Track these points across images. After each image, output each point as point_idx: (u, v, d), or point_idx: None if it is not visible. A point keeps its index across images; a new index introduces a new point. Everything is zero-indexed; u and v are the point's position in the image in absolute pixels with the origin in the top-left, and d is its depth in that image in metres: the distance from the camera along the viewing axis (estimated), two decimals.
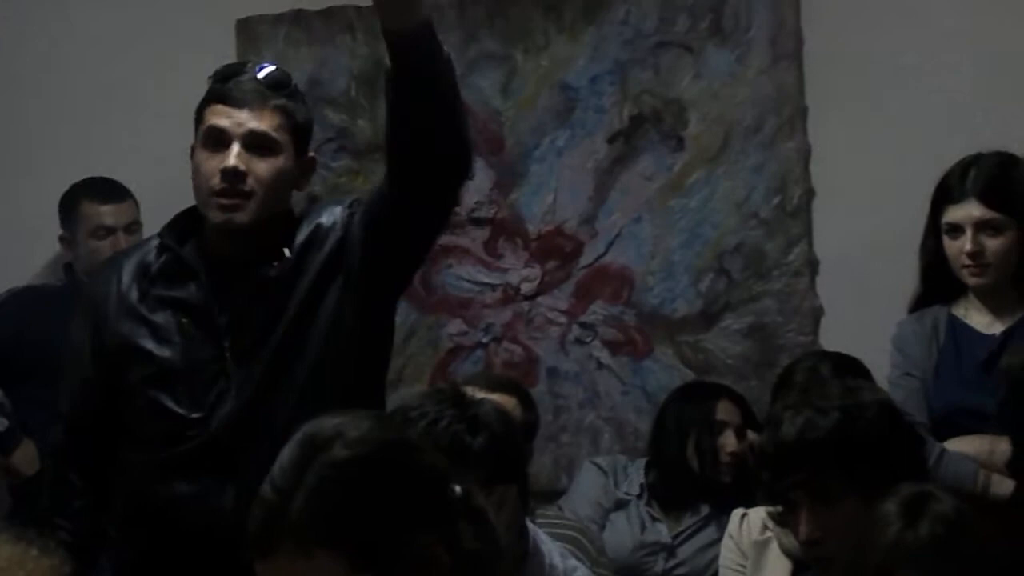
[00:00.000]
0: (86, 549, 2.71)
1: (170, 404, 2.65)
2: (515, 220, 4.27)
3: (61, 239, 4.20)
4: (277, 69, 2.73)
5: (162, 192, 4.16)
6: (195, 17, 4.37)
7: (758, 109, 4.12)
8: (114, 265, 2.81)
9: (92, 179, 4.18)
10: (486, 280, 4.29)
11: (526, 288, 4.27)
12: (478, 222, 4.28)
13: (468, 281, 4.30)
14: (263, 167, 2.64)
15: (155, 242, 2.77)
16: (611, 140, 4.22)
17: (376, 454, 1.67)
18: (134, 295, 2.71)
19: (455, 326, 4.30)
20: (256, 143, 2.64)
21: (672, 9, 4.17)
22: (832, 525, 2.26)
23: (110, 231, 4.11)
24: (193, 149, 2.72)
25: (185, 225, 2.74)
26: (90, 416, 2.76)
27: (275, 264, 2.66)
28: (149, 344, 2.68)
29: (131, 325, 2.69)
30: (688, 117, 4.16)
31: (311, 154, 2.76)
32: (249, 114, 2.64)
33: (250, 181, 2.62)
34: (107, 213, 4.12)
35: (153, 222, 4.06)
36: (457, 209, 4.28)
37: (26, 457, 3.89)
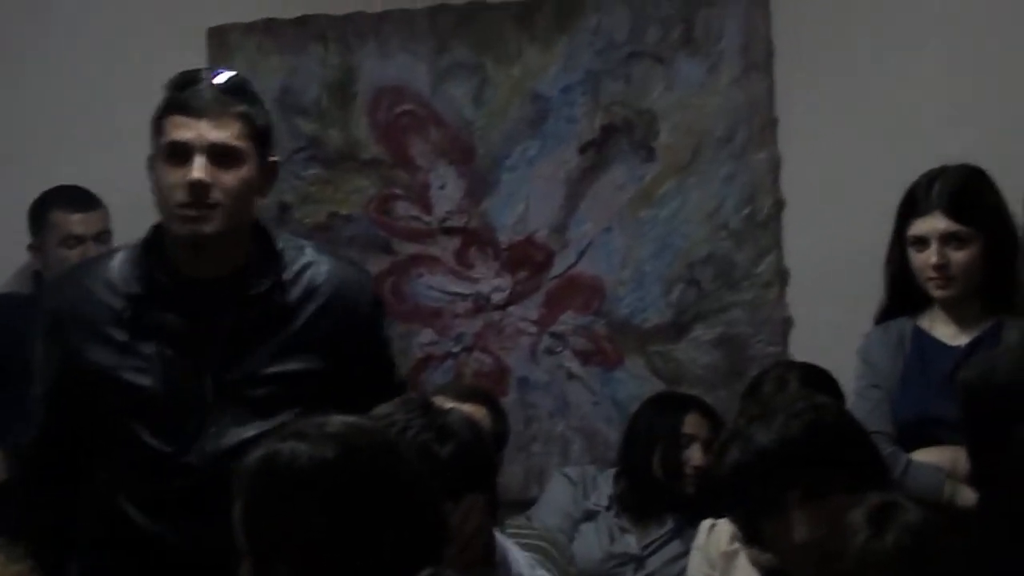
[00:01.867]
0: (55, 561, 2.66)
1: (146, 437, 2.61)
2: (486, 230, 4.27)
3: (30, 247, 4.18)
4: (234, 75, 2.69)
5: (133, 201, 4.15)
6: (167, 25, 4.36)
7: (729, 120, 4.13)
8: (77, 282, 2.72)
9: (62, 187, 4.16)
10: (457, 290, 4.29)
11: (497, 298, 4.27)
12: (449, 231, 4.28)
13: (439, 291, 4.30)
14: (228, 178, 2.59)
15: (120, 256, 2.71)
16: (582, 150, 4.22)
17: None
18: (107, 318, 2.64)
19: (426, 336, 4.30)
20: (220, 153, 2.59)
21: (644, 19, 4.18)
22: (828, 519, 2.29)
23: (80, 240, 4.09)
24: (152, 160, 2.67)
25: (154, 242, 2.68)
26: (59, 432, 2.70)
27: (270, 299, 2.63)
28: (128, 374, 2.62)
29: (107, 352, 2.63)
30: (659, 127, 4.17)
31: (273, 158, 2.72)
32: (210, 124, 2.59)
33: (215, 193, 2.58)
34: (77, 222, 4.10)
35: (123, 231, 4.06)
36: (428, 218, 4.31)
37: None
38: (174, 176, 2.59)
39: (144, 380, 2.62)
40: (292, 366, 2.64)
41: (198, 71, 2.71)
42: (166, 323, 2.62)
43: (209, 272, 2.64)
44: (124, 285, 2.65)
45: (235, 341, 2.63)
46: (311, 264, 2.69)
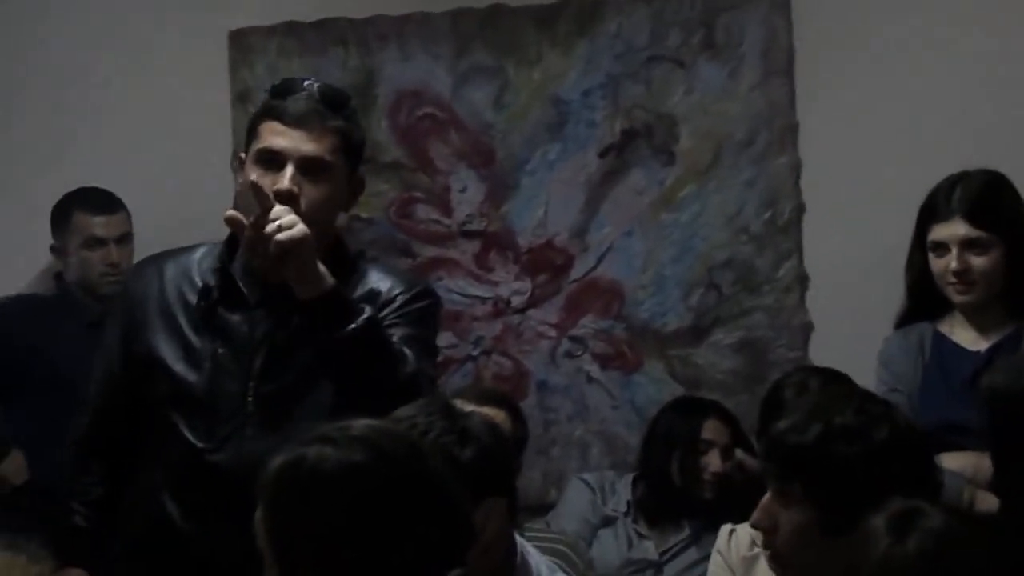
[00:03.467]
0: (98, 535, 2.73)
1: (184, 430, 2.64)
2: (506, 233, 4.28)
3: (52, 249, 4.20)
4: (335, 87, 2.71)
5: (155, 203, 4.19)
6: (188, 28, 4.38)
7: (749, 124, 4.13)
8: (156, 267, 2.76)
9: (85, 189, 4.18)
10: (476, 293, 4.29)
11: (516, 301, 4.27)
12: (469, 235, 4.29)
13: (458, 294, 4.30)
14: (315, 191, 2.61)
15: (202, 250, 2.74)
16: (602, 154, 4.22)
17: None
18: (177, 306, 2.68)
19: (445, 339, 4.29)
20: (310, 166, 2.61)
21: (664, 24, 4.18)
22: (784, 524, 2.30)
23: (102, 242, 4.10)
24: (242, 160, 2.69)
25: (235, 243, 2.69)
26: (115, 410, 2.74)
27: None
28: (178, 365, 2.66)
29: (166, 339, 2.67)
30: (679, 132, 4.17)
31: (360, 174, 2.74)
32: (305, 135, 2.61)
33: (302, 203, 2.58)
34: (99, 224, 4.11)
35: (146, 233, 4.08)
36: (448, 221, 4.31)
37: (15, 467, 3.89)
38: (264, 182, 2.58)
39: (192, 376, 2.65)
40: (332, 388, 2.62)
41: (299, 79, 2.71)
42: (230, 323, 2.65)
43: (281, 278, 2.64)
44: (201, 278, 2.69)
45: (286, 351, 2.64)
46: (362, 273, 2.70)
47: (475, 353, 4.29)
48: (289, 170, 2.59)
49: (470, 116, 4.28)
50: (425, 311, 2.74)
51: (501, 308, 4.28)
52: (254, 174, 2.62)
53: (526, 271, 4.27)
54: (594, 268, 4.23)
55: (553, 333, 4.26)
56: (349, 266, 2.70)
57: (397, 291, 2.69)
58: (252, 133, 2.68)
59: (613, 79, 4.21)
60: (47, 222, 4.18)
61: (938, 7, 4.04)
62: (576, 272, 4.24)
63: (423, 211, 4.32)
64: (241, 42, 4.39)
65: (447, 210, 4.30)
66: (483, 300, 4.29)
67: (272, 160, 2.61)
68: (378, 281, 2.70)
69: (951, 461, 3.00)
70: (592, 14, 4.23)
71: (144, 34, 4.41)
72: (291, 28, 4.37)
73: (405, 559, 1.79)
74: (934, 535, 2.02)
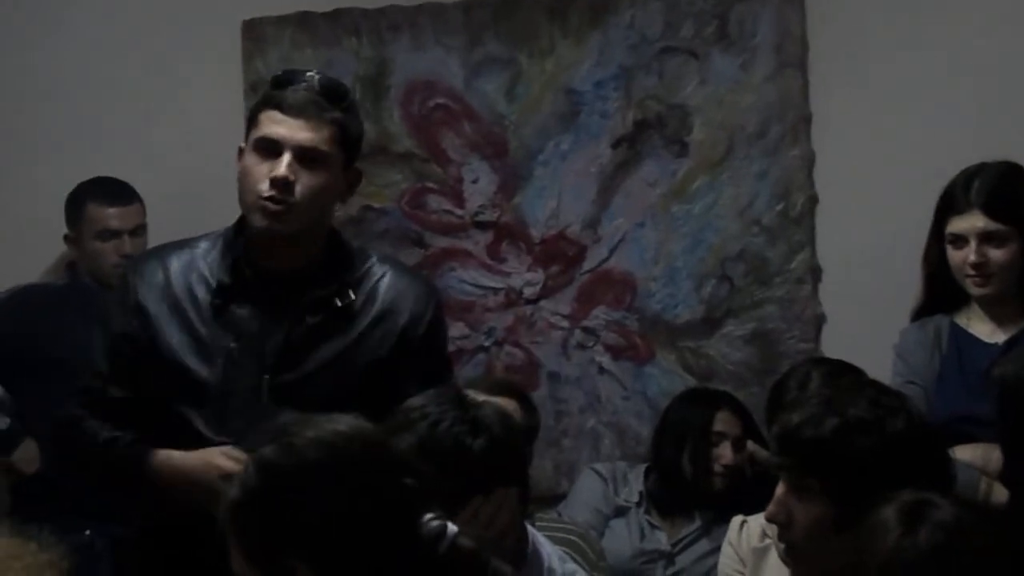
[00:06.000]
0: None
1: (199, 424, 2.66)
2: (518, 224, 4.28)
3: (66, 238, 4.19)
4: (335, 80, 2.75)
5: (168, 193, 4.19)
6: (201, 18, 4.38)
7: (762, 116, 4.13)
8: (159, 261, 2.77)
9: (99, 179, 4.17)
10: (489, 284, 4.30)
11: (529, 292, 4.27)
12: (481, 225, 4.29)
13: (471, 284, 4.30)
14: (311, 179, 2.65)
15: (204, 245, 2.76)
16: (615, 145, 4.22)
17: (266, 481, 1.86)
18: (186, 300, 2.70)
19: (457, 329, 4.30)
20: (306, 155, 2.65)
21: (678, 15, 4.17)
22: (800, 517, 2.29)
23: (115, 234, 4.09)
24: (241, 150, 2.72)
25: (239, 234, 2.73)
26: (118, 402, 2.72)
27: (334, 301, 2.67)
28: (191, 359, 2.68)
29: (177, 333, 2.69)
30: (692, 123, 4.17)
31: (358, 167, 2.78)
32: (304, 124, 2.65)
33: (297, 191, 2.64)
34: (113, 216, 4.11)
35: (159, 224, 4.09)
36: (460, 212, 4.31)
37: (27, 456, 3.89)
38: (261, 169, 2.65)
39: (206, 371, 2.67)
40: (346, 369, 2.68)
41: (300, 71, 2.76)
42: (241, 317, 2.68)
43: (283, 266, 2.69)
44: (211, 273, 2.71)
45: (295, 342, 2.67)
46: (375, 272, 2.75)
47: (487, 344, 4.30)
48: (286, 158, 2.64)
49: (483, 107, 4.28)
50: (444, 333, 2.85)
51: (513, 299, 4.28)
52: (251, 161, 2.67)
53: (538, 262, 4.27)
54: (606, 259, 4.23)
55: (565, 324, 4.26)
56: (347, 260, 2.73)
57: (422, 314, 2.74)
58: (252, 122, 2.72)
59: (626, 70, 4.21)
60: (59, 211, 4.19)
61: None
62: (588, 263, 4.24)
63: (435, 202, 4.32)
64: (254, 32, 4.39)
65: (459, 201, 4.30)
66: (495, 291, 4.29)
67: (270, 148, 2.66)
68: (399, 292, 2.73)
69: (963, 453, 3.00)
70: (605, 5, 4.22)
71: (158, 24, 4.41)
72: (304, 18, 4.37)
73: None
74: (944, 527, 2.02)
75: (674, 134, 4.19)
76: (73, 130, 4.40)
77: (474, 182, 4.30)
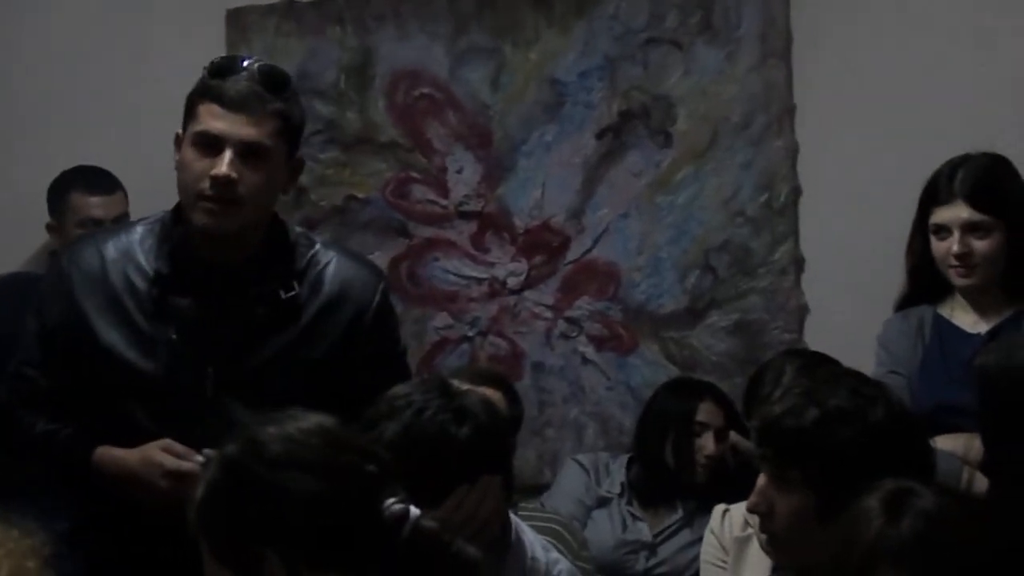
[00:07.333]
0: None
1: (143, 418, 2.60)
2: (502, 214, 4.27)
3: (48, 227, 4.18)
4: (275, 68, 2.65)
5: (150, 183, 4.15)
6: (186, 7, 4.37)
7: (746, 107, 4.13)
8: (95, 248, 2.69)
9: (82, 168, 4.15)
10: (472, 274, 4.30)
11: (512, 282, 4.27)
12: (465, 215, 4.29)
13: (454, 274, 4.30)
14: (254, 176, 2.58)
15: (140, 231, 2.69)
16: (599, 135, 4.22)
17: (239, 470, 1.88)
18: (126, 293, 2.63)
19: (441, 319, 4.31)
20: (249, 151, 2.57)
21: (662, 5, 4.17)
22: (781, 508, 2.30)
23: (98, 223, 4.07)
24: (179, 139, 2.64)
25: (176, 222, 2.66)
26: (51, 395, 2.67)
27: (278, 293, 2.62)
28: (131, 352, 2.61)
29: (118, 329, 2.62)
30: (676, 113, 4.17)
31: (299, 155, 2.71)
32: (245, 120, 2.56)
33: (240, 189, 2.57)
34: (96, 205, 4.09)
35: (141, 213, 4.05)
36: (445, 202, 4.31)
37: None
38: (200, 165, 2.57)
39: (147, 364, 2.61)
40: (295, 361, 2.63)
41: (238, 59, 2.67)
42: (181, 308, 2.61)
43: (223, 259, 2.63)
44: (147, 263, 2.64)
45: (240, 333, 2.62)
46: (320, 260, 2.68)
47: (471, 334, 4.30)
48: (228, 155, 2.56)
49: (467, 96, 4.27)
50: (394, 317, 2.79)
51: (497, 289, 4.28)
52: (191, 156, 2.59)
53: (522, 252, 4.27)
54: (590, 250, 4.23)
55: (549, 314, 4.26)
56: (290, 249, 2.67)
57: (370, 299, 2.69)
58: (190, 112, 2.63)
59: (611, 61, 4.21)
60: (42, 199, 4.17)
61: None
62: (572, 253, 4.24)
63: (419, 191, 4.31)
64: (239, 21, 4.38)
65: (444, 190, 4.30)
66: (479, 281, 4.29)
67: (210, 144, 2.57)
68: (344, 280, 2.68)
69: (944, 443, 3.01)
70: None
71: (141, 12, 4.40)
72: (289, 7, 4.37)
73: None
74: (927, 515, 2.02)
75: (658, 125, 4.19)
76: (56, 119, 4.39)
77: (458, 172, 4.29)
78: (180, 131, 2.66)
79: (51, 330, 2.68)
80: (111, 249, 2.67)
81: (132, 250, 2.66)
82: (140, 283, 2.63)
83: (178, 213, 2.67)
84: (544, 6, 4.24)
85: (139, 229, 2.70)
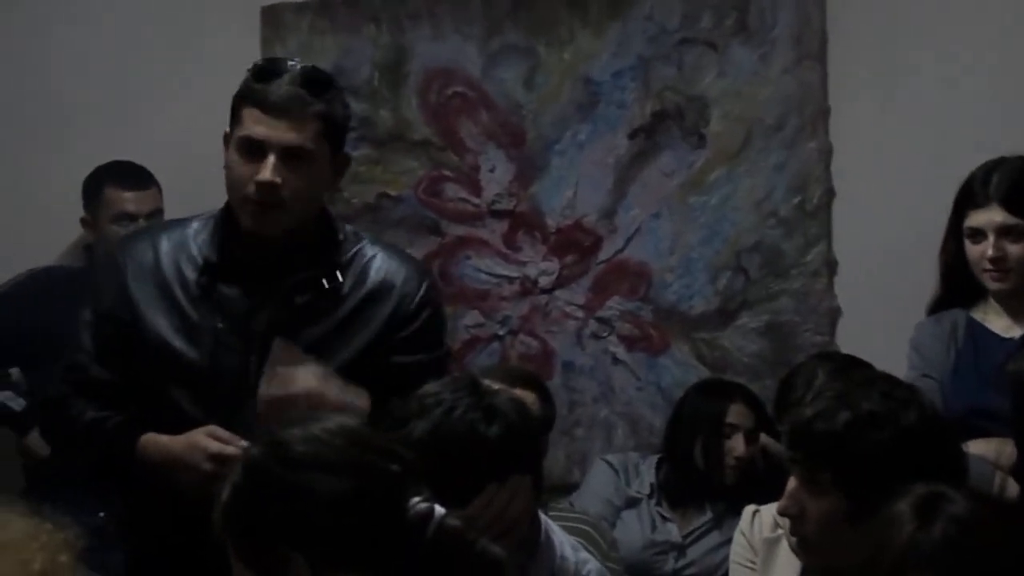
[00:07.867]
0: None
1: (187, 405, 2.63)
2: (534, 213, 4.28)
3: (83, 221, 4.21)
4: (317, 70, 2.68)
5: (186, 178, 4.19)
6: (221, 4, 4.39)
7: (780, 108, 4.12)
8: (149, 241, 2.74)
9: (117, 163, 4.18)
10: (504, 272, 4.30)
11: (544, 281, 4.28)
12: (497, 214, 4.29)
13: (486, 273, 4.30)
14: (297, 179, 2.61)
15: (195, 225, 2.73)
16: (632, 136, 4.22)
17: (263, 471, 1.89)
18: (174, 281, 2.67)
19: (472, 318, 4.31)
20: (292, 155, 2.60)
21: (697, 6, 4.17)
22: (812, 511, 2.29)
23: (132, 218, 4.10)
24: (227, 138, 2.68)
25: (229, 216, 2.70)
26: (107, 383, 2.70)
27: (321, 282, 2.65)
28: (177, 341, 2.65)
29: (167, 317, 2.66)
30: (710, 114, 4.17)
31: (345, 152, 2.74)
32: (287, 125, 2.59)
33: (284, 192, 2.60)
34: (130, 200, 4.12)
35: (176, 209, 4.08)
36: (477, 200, 4.32)
37: (42, 440, 3.90)
38: (246, 170, 2.61)
39: (193, 352, 2.64)
40: (335, 350, 2.65)
41: (281, 62, 2.69)
42: (229, 297, 2.65)
43: (272, 251, 2.66)
44: (199, 252, 2.69)
45: (282, 323, 2.64)
46: (366, 253, 2.72)
47: (502, 333, 4.30)
48: (271, 160, 2.59)
49: (500, 96, 4.28)
50: (438, 317, 2.79)
51: (528, 288, 4.29)
52: (236, 159, 2.63)
53: (554, 251, 4.27)
54: (622, 250, 4.23)
55: (580, 314, 4.26)
56: (336, 241, 2.70)
57: (412, 296, 2.70)
58: (235, 115, 2.66)
59: (644, 61, 4.21)
60: (77, 194, 4.19)
61: None
62: (604, 253, 4.24)
63: (452, 190, 4.32)
64: (274, 19, 4.40)
65: (476, 189, 4.31)
66: (510, 280, 4.30)
67: (254, 149, 2.60)
68: (388, 272, 2.70)
69: (976, 447, 3.00)
70: None
71: (177, 10, 4.42)
72: (324, 5, 4.38)
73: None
74: (959, 520, 2.02)
75: (692, 125, 4.18)
76: (92, 114, 4.41)
77: (491, 171, 4.30)
78: (227, 130, 2.69)
79: (103, 318, 2.72)
80: (165, 242, 2.72)
81: (186, 242, 2.71)
82: (190, 272, 2.68)
83: (229, 209, 2.71)
84: (579, 6, 4.24)
85: (194, 224, 2.75)
